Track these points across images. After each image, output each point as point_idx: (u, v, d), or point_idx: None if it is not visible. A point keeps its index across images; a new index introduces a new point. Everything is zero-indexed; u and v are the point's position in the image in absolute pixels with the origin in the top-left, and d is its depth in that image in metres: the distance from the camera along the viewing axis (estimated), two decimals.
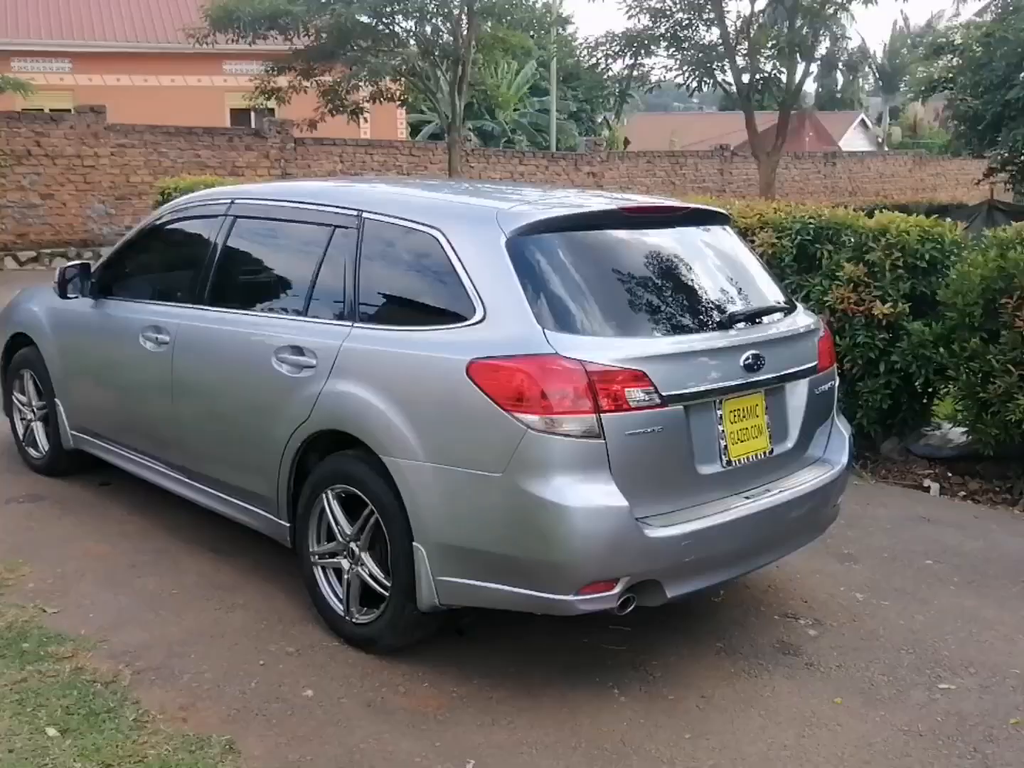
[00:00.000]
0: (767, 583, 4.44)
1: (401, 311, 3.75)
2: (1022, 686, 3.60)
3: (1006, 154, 15.60)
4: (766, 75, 14.40)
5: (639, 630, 3.95)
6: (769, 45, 14.27)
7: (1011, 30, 15.62)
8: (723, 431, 3.52)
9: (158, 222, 5.01)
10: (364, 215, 3.86)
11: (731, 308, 3.71)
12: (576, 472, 3.17)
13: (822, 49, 16.24)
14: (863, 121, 46.29)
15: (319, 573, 3.89)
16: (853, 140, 42.29)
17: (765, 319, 3.83)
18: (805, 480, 3.80)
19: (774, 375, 3.67)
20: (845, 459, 4.00)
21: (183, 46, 22.93)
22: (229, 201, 4.54)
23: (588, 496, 3.16)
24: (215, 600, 4.18)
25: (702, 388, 3.43)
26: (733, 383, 3.52)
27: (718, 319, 3.64)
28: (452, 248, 3.51)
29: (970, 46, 16.79)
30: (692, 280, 3.74)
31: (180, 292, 4.66)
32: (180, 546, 4.72)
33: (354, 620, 3.75)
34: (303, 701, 3.43)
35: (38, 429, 5.69)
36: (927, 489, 5.94)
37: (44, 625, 3.91)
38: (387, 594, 3.61)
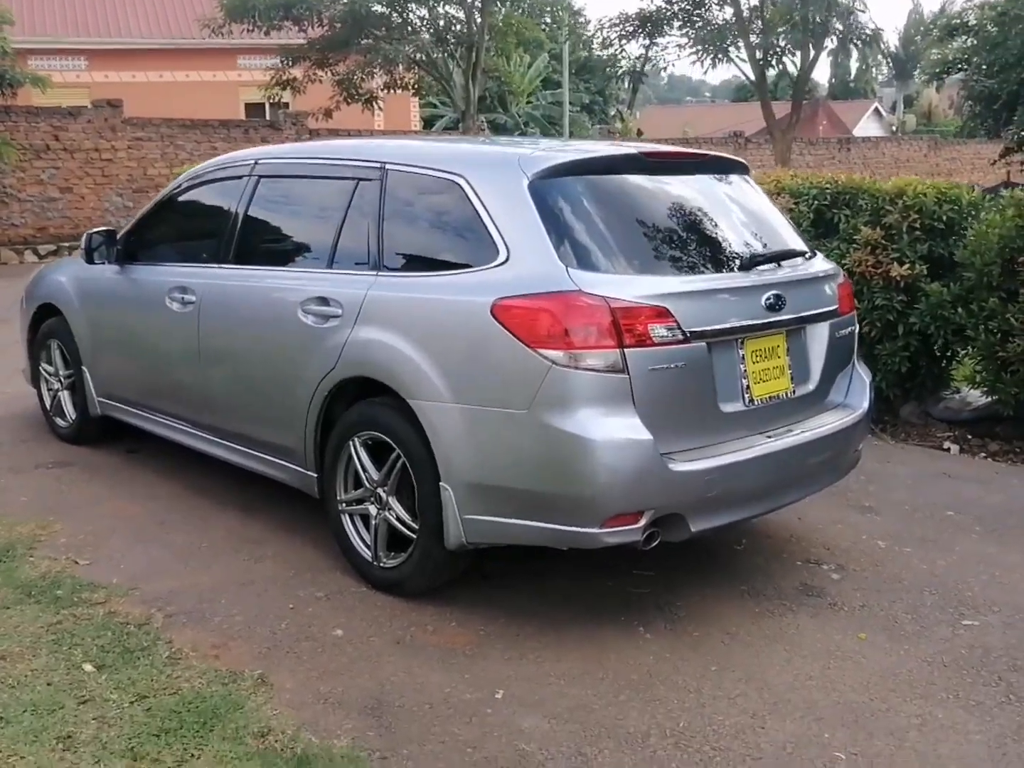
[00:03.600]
0: (788, 533, 4.47)
1: (425, 258, 3.80)
2: None
3: (1023, 133, 15.53)
4: (780, 50, 14.38)
5: (662, 576, 3.99)
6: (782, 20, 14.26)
7: None
8: (745, 370, 3.55)
9: (181, 187, 5.07)
10: (387, 167, 3.91)
11: (752, 251, 3.75)
12: (600, 406, 3.21)
13: (835, 29, 16.11)
14: (877, 110, 46.12)
15: (347, 520, 3.94)
16: (867, 128, 42.15)
17: (786, 263, 3.87)
18: (827, 422, 3.83)
19: (795, 316, 3.70)
20: (866, 404, 4.03)
21: (198, 41, 23.14)
22: (252, 162, 4.60)
23: (612, 429, 3.20)
24: (244, 552, 4.24)
25: (724, 326, 3.46)
26: (755, 322, 3.56)
27: (739, 261, 3.67)
28: (475, 193, 3.56)
29: (984, 26, 16.72)
30: (713, 224, 3.78)
31: (205, 253, 4.72)
32: (209, 505, 4.78)
33: (382, 564, 3.80)
34: (333, 640, 3.49)
35: (65, 398, 5.77)
36: (947, 451, 5.94)
37: (77, 575, 3.98)
38: (414, 536, 3.66)
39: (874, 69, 57.30)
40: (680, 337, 3.30)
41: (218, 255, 4.58)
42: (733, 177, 4.10)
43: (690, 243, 3.65)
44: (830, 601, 3.80)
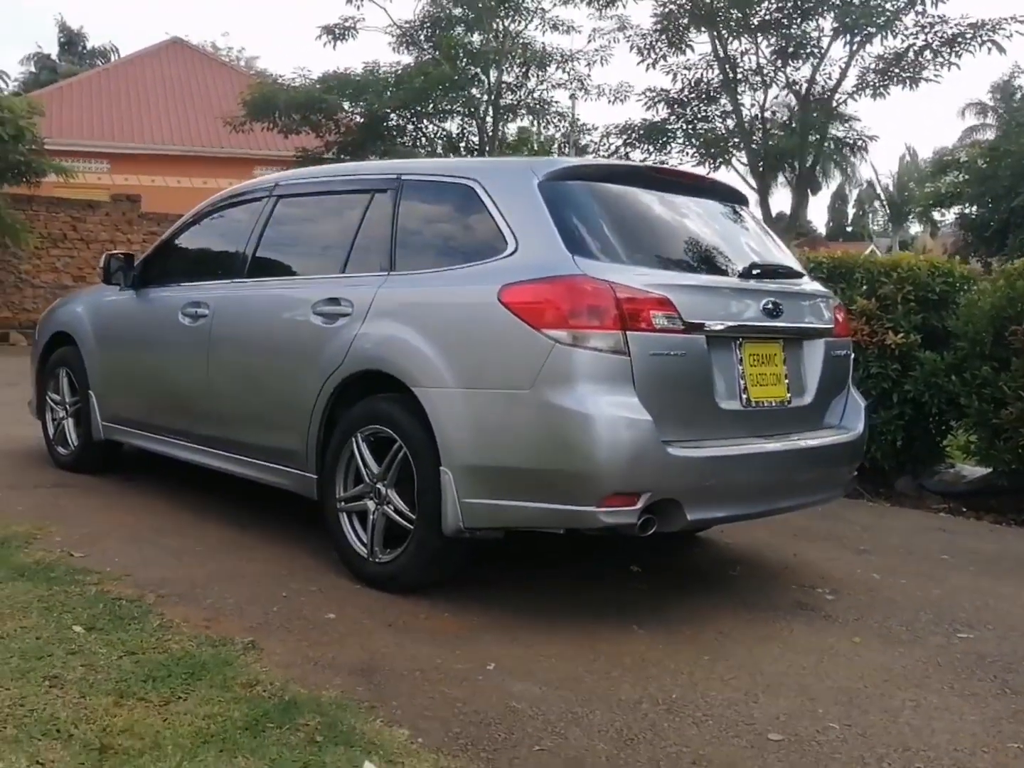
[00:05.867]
0: (783, 564, 4.47)
1: (436, 256, 3.92)
2: None
3: (1016, 256, 15.97)
4: (780, 154, 14.94)
5: (657, 590, 3.99)
6: (782, 124, 14.85)
7: (1015, 143, 16.22)
8: (743, 371, 3.64)
9: (200, 213, 5.25)
10: (403, 177, 4.09)
11: (750, 261, 3.88)
12: (601, 385, 3.28)
13: (832, 137, 16.74)
14: (873, 251, 47.41)
15: (344, 518, 3.95)
16: None
17: (782, 279, 4.00)
18: (822, 436, 3.90)
19: (792, 325, 3.82)
20: (861, 427, 4.10)
21: (216, 149, 24.02)
22: (273, 184, 4.78)
23: (612, 407, 3.26)
24: (237, 554, 4.23)
25: (724, 324, 3.57)
26: (753, 323, 3.67)
27: (739, 268, 3.81)
28: (488, 194, 3.71)
29: (975, 161, 17.38)
30: (715, 235, 3.94)
31: (221, 270, 4.86)
32: (204, 519, 4.78)
33: (377, 560, 3.79)
34: (325, 621, 3.47)
35: (69, 426, 5.81)
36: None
37: (71, 563, 3.96)
38: (411, 527, 3.68)
39: (870, 215, 59.09)
40: (680, 327, 3.41)
41: (234, 271, 4.72)
42: (736, 205, 4.27)
43: (692, 247, 3.80)
44: (824, 614, 3.79)
